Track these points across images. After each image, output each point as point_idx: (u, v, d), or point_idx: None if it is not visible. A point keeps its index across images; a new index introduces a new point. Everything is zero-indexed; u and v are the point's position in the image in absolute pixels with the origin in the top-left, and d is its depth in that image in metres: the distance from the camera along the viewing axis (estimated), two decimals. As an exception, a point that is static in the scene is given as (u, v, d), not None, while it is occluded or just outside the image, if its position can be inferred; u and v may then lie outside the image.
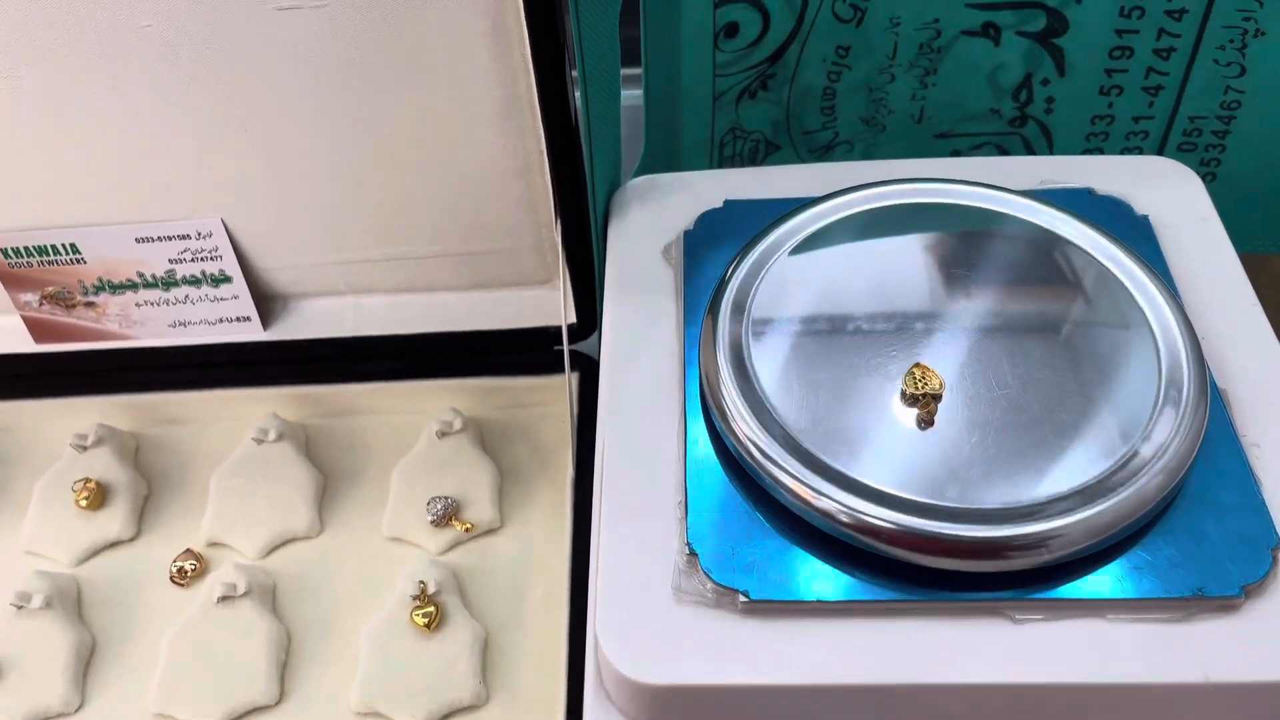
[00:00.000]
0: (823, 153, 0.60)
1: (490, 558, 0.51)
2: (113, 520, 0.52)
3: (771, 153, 0.59)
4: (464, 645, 0.47)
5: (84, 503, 0.52)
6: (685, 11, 0.51)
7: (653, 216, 0.49)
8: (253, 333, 0.56)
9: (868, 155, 0.60)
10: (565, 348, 0.51)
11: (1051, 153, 0.59)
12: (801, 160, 0.60)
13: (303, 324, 0.56)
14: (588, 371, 0.55)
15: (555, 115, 0.46)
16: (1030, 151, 0.59)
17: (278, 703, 0.47)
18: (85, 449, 0.54)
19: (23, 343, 0.57)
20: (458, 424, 0.53)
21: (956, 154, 0.59)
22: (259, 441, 0.54)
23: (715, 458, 0.39)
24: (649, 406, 0.41)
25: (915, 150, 0.59)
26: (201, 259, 0.53)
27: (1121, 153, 0.58)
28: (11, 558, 0.52)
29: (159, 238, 0.52)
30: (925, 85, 0.56)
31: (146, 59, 0.46)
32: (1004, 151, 0.59)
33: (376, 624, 0.48)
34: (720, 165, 0.59)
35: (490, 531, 0.52)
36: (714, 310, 0.42)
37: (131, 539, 0.53)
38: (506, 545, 0.51)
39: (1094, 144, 0.58)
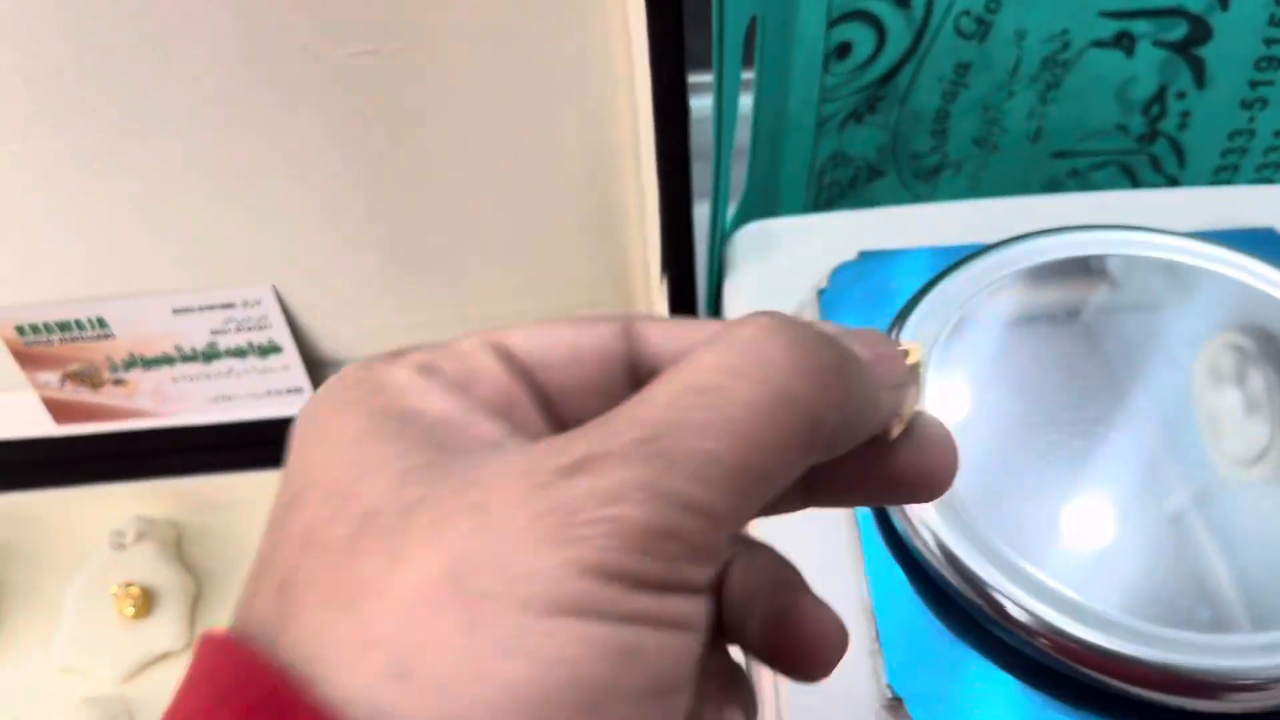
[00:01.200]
0: (928, 177, 0.54)
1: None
2: (162, 628, 0.46)
3: (874, 179, 0.53)
4: None
5: (129, 611, 0.46)
6: (799, 32, 0.45)
7: (775, 271, 0.43)
8: (300, 405, 0.49)
9: (976, 178, 0.54)
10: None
11: (1182, 170, 0.53)
12: (905, 186, 0.54)
13: (361, 393, 0.50)
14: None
15: (671, 156, 0.39)
16: (1159, 170, 0.53)
17: None
18: (124, 546, 0.48)
19: (42, 425, 0.50)
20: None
21: (1075, 174, 0.54)
22: (322, 532, 0.47)
23: (903, 577, 0.34)
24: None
25: (1029, 171, 0.54)
26: (248, 329, 0.47)
27: (1257, 171, 0.53)
28: (46, 676, 0.46)
29: (199, 308, 0.46)
30: (1046, 101, 0.51)
31: (187, 113, 0.39)
32: (1128, 171, 0.53)
33: None
34: (819, 194, 0.53)
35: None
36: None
37: (184, 648, 0.46)
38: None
39: (1230, 160, 0.53)
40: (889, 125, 0.51)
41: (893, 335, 0.37)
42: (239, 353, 0.47)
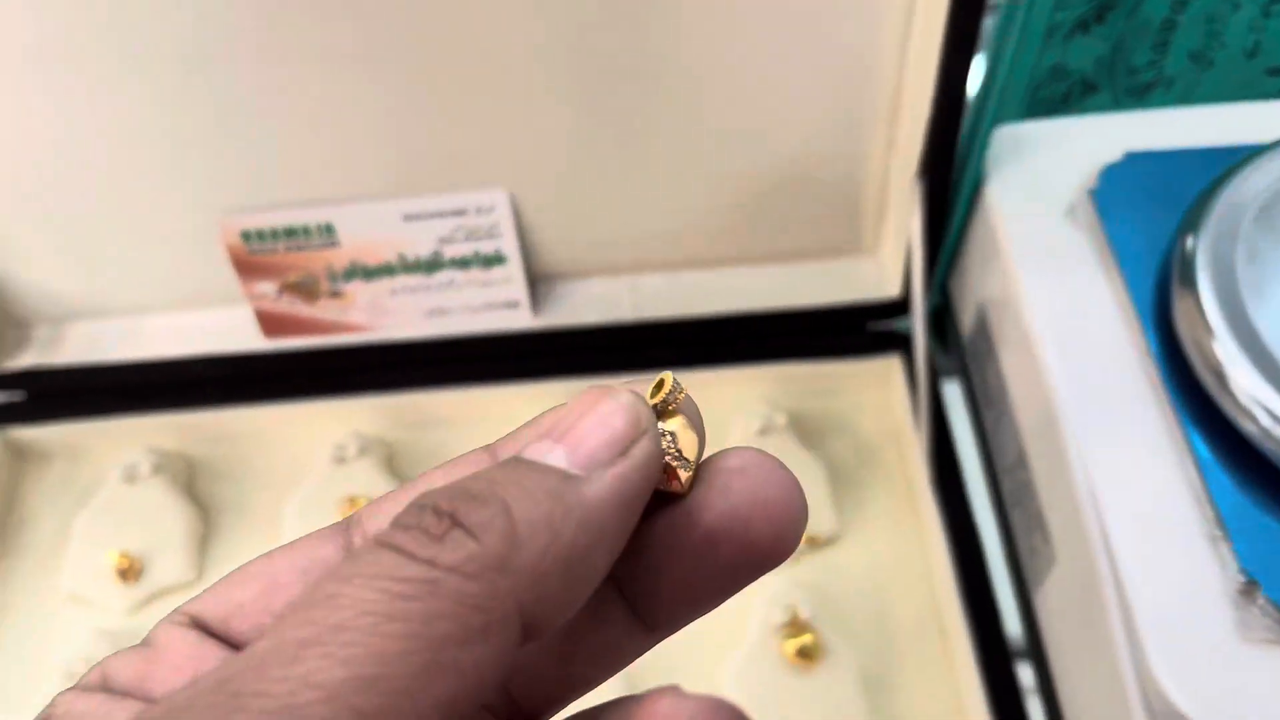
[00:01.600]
0: (1141, 93, 0.52)
1: (837, 575, 0.44)
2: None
3: (1087, 94, 0.52)
4: (847, 677, 0.40)
5: (356, 526, 0.45)
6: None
7: (1037, 174, 0.42)
8: (520, 320, 0.48)
9: (1187, 96, 0.53)
10: (920, 327, 0.44)
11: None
12: (1117, 102, 0.53)
13: (574, 309, 0.49)
14: (910, 354, 0.48)
15: (958, 46, 0.38)
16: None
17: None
18: (344, 461, 0.47)
19: (250, 340, 0.49)
20: (780, 419, 0.46)
21: (1291, 91, 0.52)
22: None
23: (1239, 461, 0.33)
24: (1120, 401, 0.35)
25: (1241, 88, 0.52)
26: (477, 237, 0.46)
27: None
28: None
29: (430, 214, 0.45)
30: (1268, 15, 0.49)
31: (428, 5, 0.38)
32: (1346, 87, 0.52)
33: (742, 659, 0.41)
34: (1029, 110, 0.52)
35: (829, 543, 0.45)
36: (1187, 284, 0.35)
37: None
38: (852, 559, 0.45)
39: None
40: (1112, 36, 0.50)
41: (1194, 226, 0.36)
42: (462, 263, 0.46)
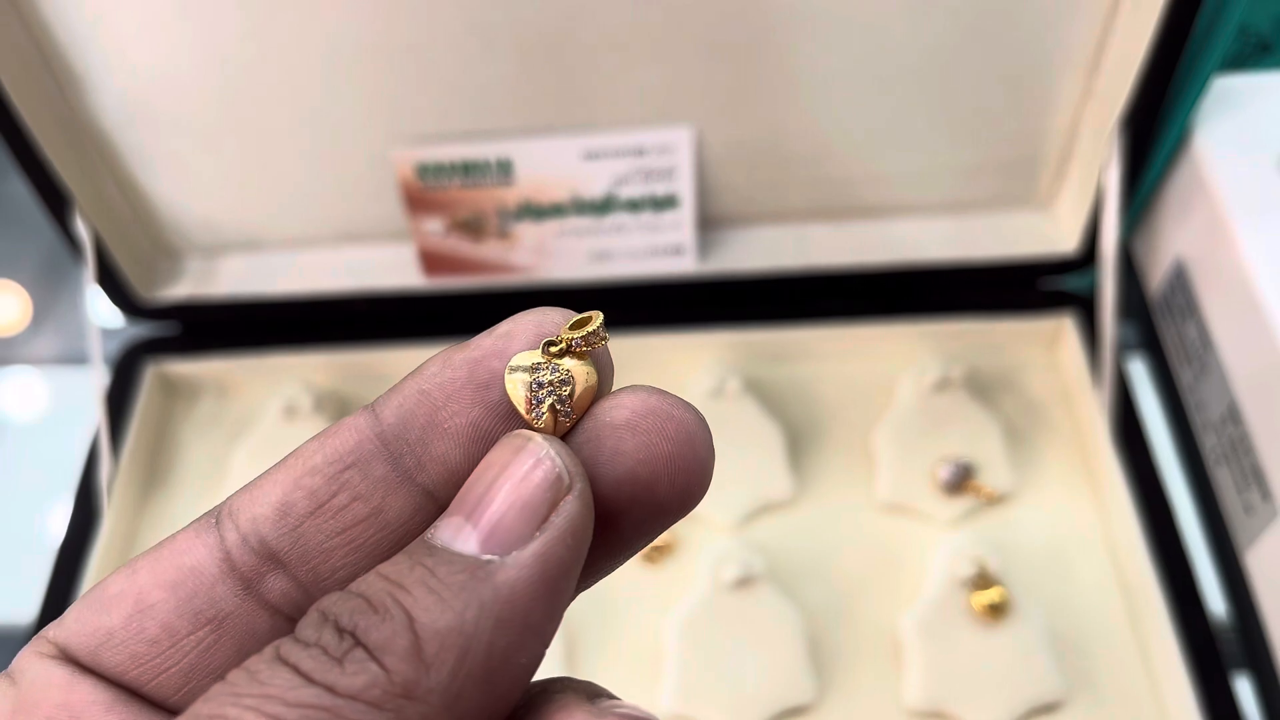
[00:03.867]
0: (1312, 57, 0.51)
1: (1013, 532, 0.43)
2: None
3: (1260, 54, 0.51)
4: (1036, 633, 0.40)
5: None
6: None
7: (1246, 125, 0.41)
8: (683, 265, 0.48)
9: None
10: (1109, 281, 0.43)
11: None
12: (1289, 66, 0.52)
13: (739, 256, 0.48)
14: (1082, 312, 0.47)
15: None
16: None
17: (818, 701, 0.40)
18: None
19: (401, 277, 0.48)
20: (956, 374, 0.45)
21: None
22: (715, 395, 0.46)
23: None
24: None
25: None
26: (653, 179, 0.45)
27: None
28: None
29: (611, 152, 0.44)
30: None
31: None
32: None
33: (925, 610, 0.40)
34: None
35: (1004, 500, 0.44)
36: None
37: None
38: (1028, 516, 0.44)
39: None
40: (1295, -4, 0.49)
41: None
42: (634, 205, 0.45)
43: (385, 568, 0.15)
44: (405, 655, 0.14)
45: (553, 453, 0.15)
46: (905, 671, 0.40)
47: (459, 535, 0.15)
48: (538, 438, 0.16)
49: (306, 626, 0.14)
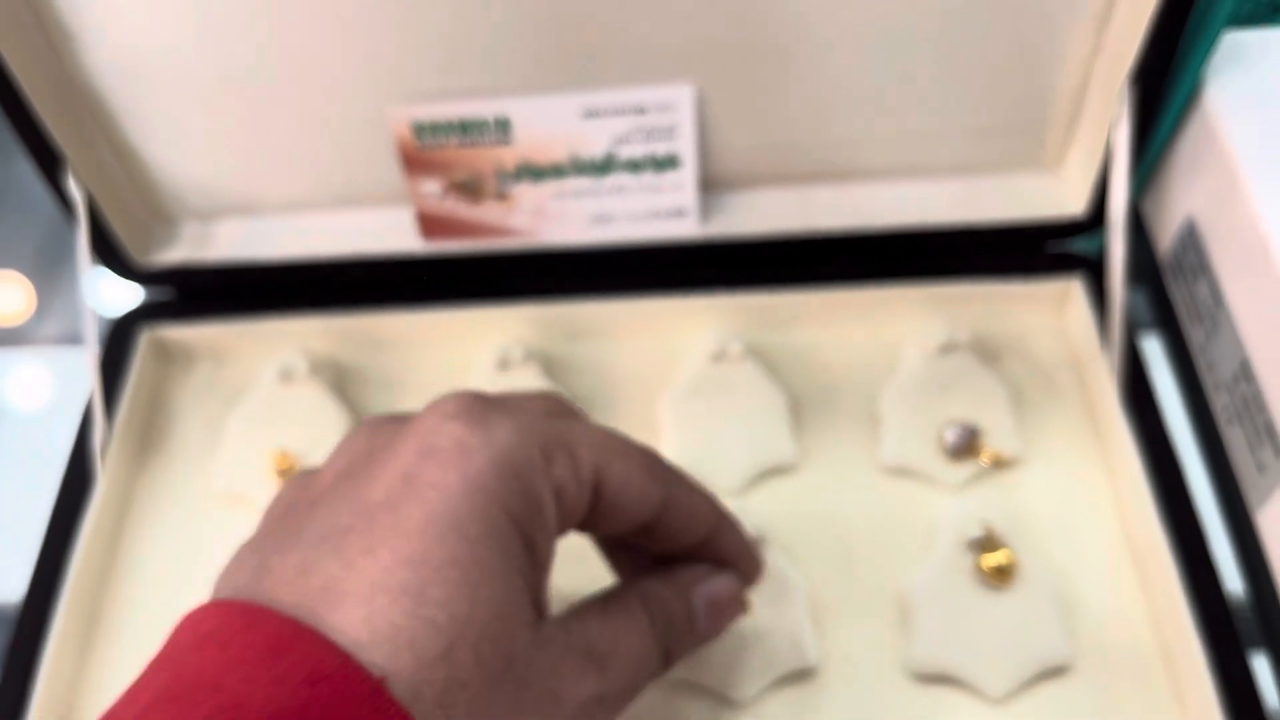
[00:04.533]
0: (1326, 17, 0.51)
1: (1019, 496, 0.43)
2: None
3: (1273, 15, 0.50)
4: (1044, 596, 0.39)
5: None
6: None
7: (1258, 80, 0.40)
8: (686, 229, 0.47)
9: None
10: (1119, 242, 0.42)
11: None
12: (1302, 26, 0.51)
13: (742, 219, 0.47)
14: (1091, 275, 0.46)
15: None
16: None
17: (822, 665, 0.39)
18: (506, 365, 0.45)
19: (398, 241, 0.47)
20: (962, 337, 0.45)
21: None
22: (717, 359, 0.45)
23: None
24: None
25: None
26: (654, 138, 0.44)
27: None
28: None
29: (611, 111, 0.43)
30: None
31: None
32: None
33: (930, 575, 0.40)
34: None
35: (1011, 464, 0.44)
36: None
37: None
38: (1035, 480, 0.43)
39: None
40: (1309, -48, 0.48)
41: None
42: (634, 166, 0.45)
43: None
44: None
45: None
46: (911, 634, 0.39)
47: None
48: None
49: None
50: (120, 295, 0.49)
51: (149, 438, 0.47)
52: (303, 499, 0.28)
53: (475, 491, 0.25)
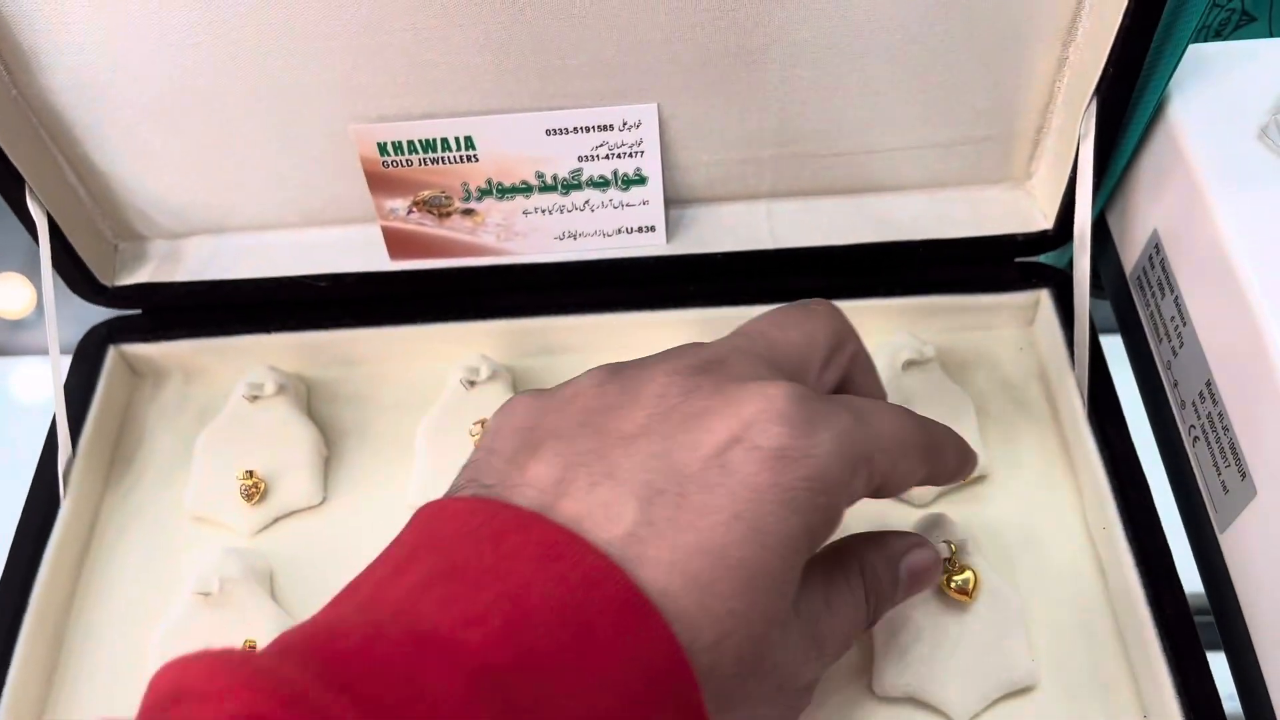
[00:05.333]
0: (1298, 26, 0.50)
1: (987, 512, 0.43)
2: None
3: (1243, 25, 0.50)
4: (1009, 615, 0.39)
5: (489, 450, 0.43)
6: None
7: (1223, 95, 0.40)
8: (654, 246, 0.47)
9: (1346, 30, 0.51)
10: (1084, 256, 0.42)
11: None
12: (1273, 33, 0.51)
13: (709, 235, 0.47)
14: (1058, 288, 0.46)
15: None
16: None
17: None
18: (474, 384, 0.45)
19: (366, 260, 0.47)
20: (930, 351, 0.45)
21: None
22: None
23: None
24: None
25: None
26: (619, 155, 0.44)
27: None
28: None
29: (575, 129, 0.43)
30: None
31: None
32: None
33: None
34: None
35: (979, 480, 0.43)
36: None
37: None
38: (1002, 496, 0.43)
39: None
40: (1279, -37, 0.47)
41: None
42: (600, 183, 0.45)
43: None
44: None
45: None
46: (876, 655, 0.39)
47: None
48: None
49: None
50: (89, 314, 0.48)
51: (117, 457, 0.46)
52: (607, 421, 0.28)
53: (785, 504, 0.26)
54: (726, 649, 0.25)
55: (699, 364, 0.30)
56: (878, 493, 0.31)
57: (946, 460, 0.33)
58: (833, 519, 0.28)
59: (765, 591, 0.26)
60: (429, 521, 0.27)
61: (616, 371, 0.31)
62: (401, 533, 0.28)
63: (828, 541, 0.29)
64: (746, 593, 0.25)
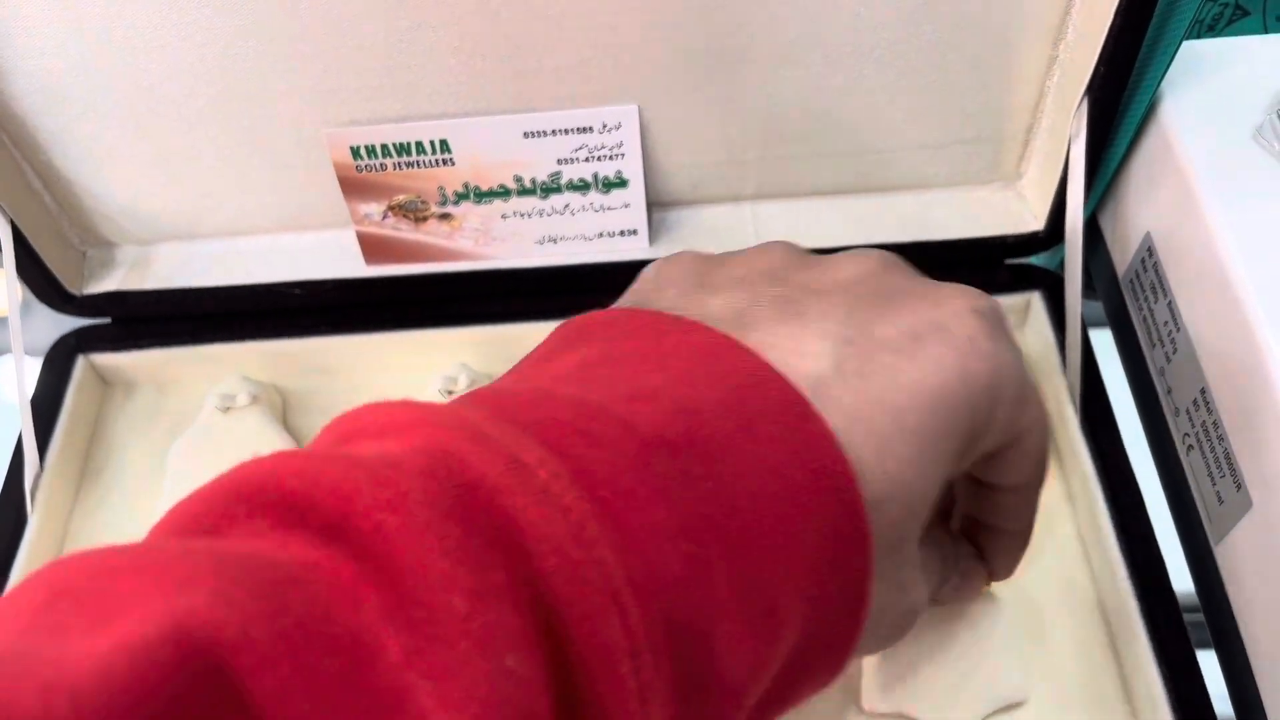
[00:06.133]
0: (1291, 21, 0.49)
1: (978, 519, 0.42)
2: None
3: (1236, 19, 0.49)
4: (1000, 629, 0.38)
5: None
6: None
7: (1216, 93, 0.39)
8: (637, 250, 0.46)
9: (1340, 24, 0.50)
10: (1076, 258, 0.41)
11: None
12: (1267, 28, 0.50)
13: (693, 238, 0.46)
14: (1050, 291, 0.45)
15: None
16: None
17: None
18: (452, 394, 0.44)
19: (341, 266, 0.46)
20: (918, 357, 0.44)
21: None
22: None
23: None
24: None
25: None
26: (599, 158, 0.43)
27: None
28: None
29: (553, 131, 0.42)
30: None
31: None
32: None
33: (885, 606, 0.38)
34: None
35: (969, 486, 0.42)
36: None
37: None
38: (993, 502, 0.42)
39: None
40: (1273, -44, 0.46)
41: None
42: (581, 187, 0.43)
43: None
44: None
45: None
46: (864, 671, 0.38)
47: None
48: None
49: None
50: (58, 323, 0.47)
51: (87, 470, 0.45)
52: (797, 275, 0.28)
53: (965, 385, 0.25)
54: (887, 512, 0.24)
55: (887, 255, 0.30)
56: (1013, 462, 0.29)
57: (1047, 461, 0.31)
58: (980, 436, 0.27)
59: (926, 472, 0.25)
60: (585, 323, 0.27)
61: (803, 252, 0.30)
62: (552, 334, 0.27)
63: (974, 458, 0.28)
64: (917, 463, 0.25)
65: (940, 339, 0.26)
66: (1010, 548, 0.34)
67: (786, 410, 0.23)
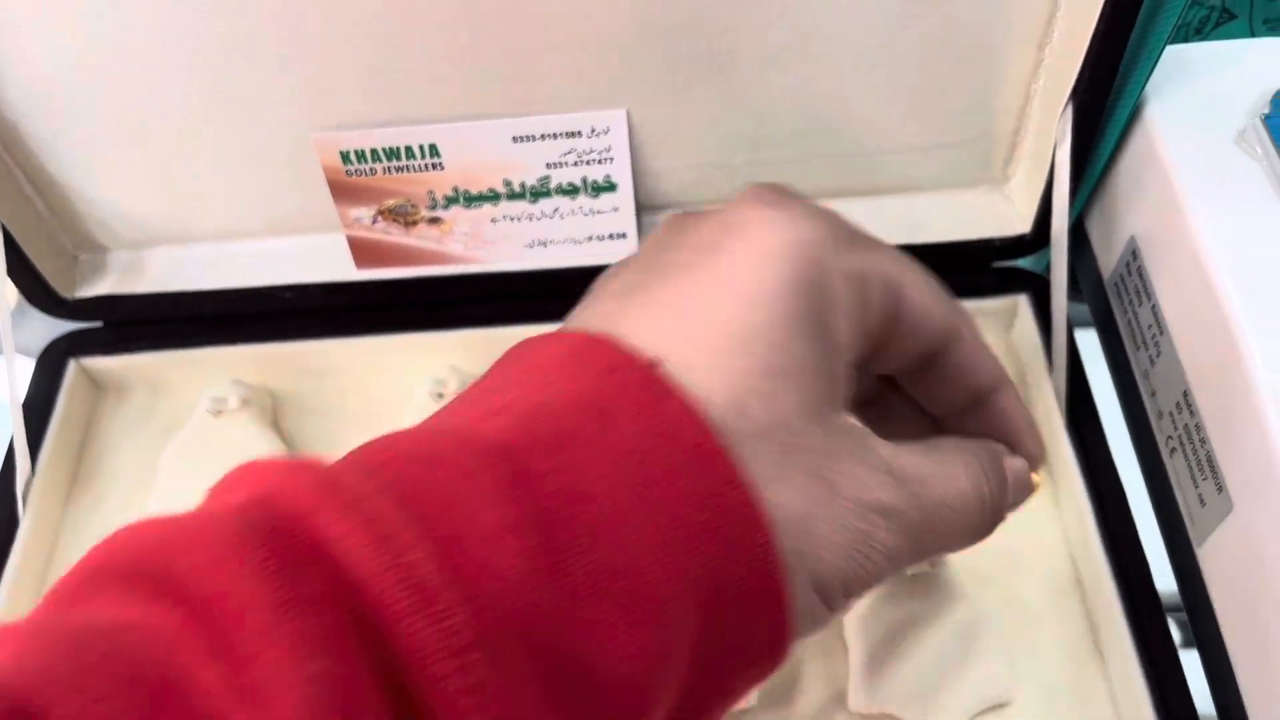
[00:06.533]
0: (1276, 25, 0.50)
1: (964, 521, 0.42)
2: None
3: (1223, 23, 0.49)
4: (987, 631, 0.38)
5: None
6: None
7: (1201, 97, 0.39)
8: (626, 253, 0.46)
9: (1326, 27, 0.50)
10: (1061, 260, 0.41)
11: None
12: (1254, 32, 0.50)
13: (682, 241, 0.46)
14: (1037, 293, 0.45)
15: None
16: None
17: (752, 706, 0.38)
18: (442, 396, 0.44)
19: (332, 270, 0.46)
20: (906, 359, 0.44)
21: None
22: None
23: None
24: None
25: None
26: (588, 162, 0.43)
27: None
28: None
29: (542, 135, 0.42)
30: None
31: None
32: None
33: (870, 613, 0.39)
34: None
35: (956, 488, 0.43)
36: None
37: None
38: (980, 505, 0.42)
39: None
40: (1258, -40, 0.47)
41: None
42: (569, 191, 0.44)
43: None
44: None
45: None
46: (851, 673, 0.38)
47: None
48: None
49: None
50: (50, 326, 0.47)
51: (79, 474, 0.46)
52: (611, 275, 0.28)
53: (764, 257, 0.25)
54: (752, 417, 0.23)
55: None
56: (913, 317, 0.28)
57: (970, 331, 0.29)
58: (827, 288, 0.25)
59: (762, 353, 0.24)
60: (507, 351, 0.28)
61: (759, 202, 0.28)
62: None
63: (854, 321, 0.26)
64: (740, 351, 0.24)
65: (733, 235, 0.25)
66: (1025, 438, 0.31)
67: (634, 388, 0.23)
